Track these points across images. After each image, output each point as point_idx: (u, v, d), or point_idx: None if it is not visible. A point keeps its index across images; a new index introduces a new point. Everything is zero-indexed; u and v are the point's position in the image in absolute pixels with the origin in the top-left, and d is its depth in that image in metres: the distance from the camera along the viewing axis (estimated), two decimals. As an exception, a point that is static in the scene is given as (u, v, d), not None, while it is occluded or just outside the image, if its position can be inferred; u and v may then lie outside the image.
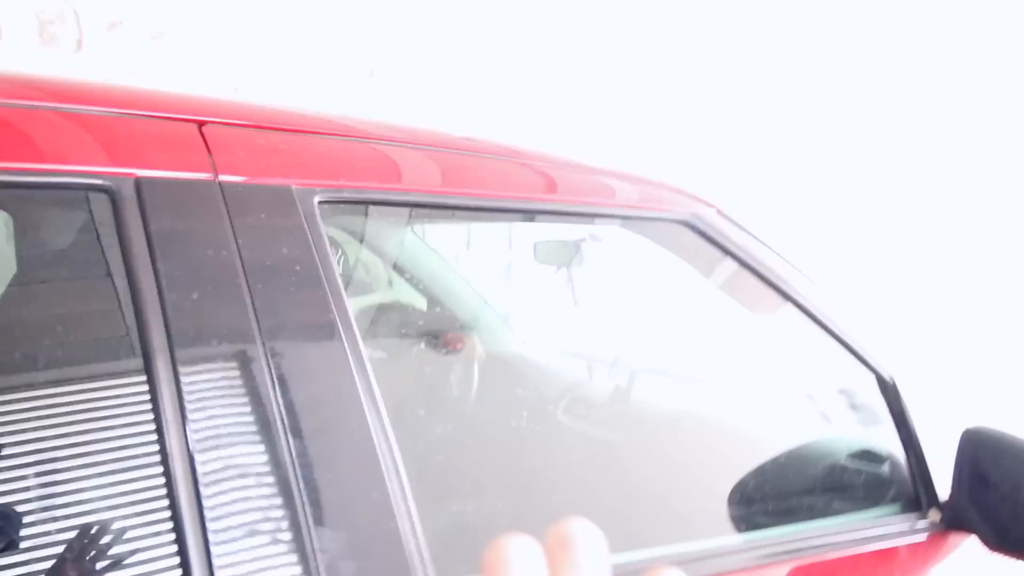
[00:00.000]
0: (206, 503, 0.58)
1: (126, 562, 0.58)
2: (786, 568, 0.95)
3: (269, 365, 0.64)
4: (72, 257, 0.72)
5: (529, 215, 0.97)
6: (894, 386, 1.12)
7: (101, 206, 0.65)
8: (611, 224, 1.13)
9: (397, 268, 1.44)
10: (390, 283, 1.45)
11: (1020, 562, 1.01)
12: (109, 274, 0.65)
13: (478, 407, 1.29)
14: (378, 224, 1.18)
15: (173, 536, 0.57)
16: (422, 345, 1.26)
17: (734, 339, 1.45)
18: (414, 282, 1.43)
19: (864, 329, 1.11)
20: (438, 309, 1.45)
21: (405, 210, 0.99)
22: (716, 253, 1.02)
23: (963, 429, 1.06)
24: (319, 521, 0.61)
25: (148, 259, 0.63)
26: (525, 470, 1.04)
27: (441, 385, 1.21)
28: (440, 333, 1.31)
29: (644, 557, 0.87)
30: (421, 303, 1.47)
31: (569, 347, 1.65)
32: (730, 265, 1.04)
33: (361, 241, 1.18)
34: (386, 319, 1.31)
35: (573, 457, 1.21)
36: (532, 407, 1.37)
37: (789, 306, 1.05)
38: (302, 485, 0.62)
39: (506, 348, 1.64)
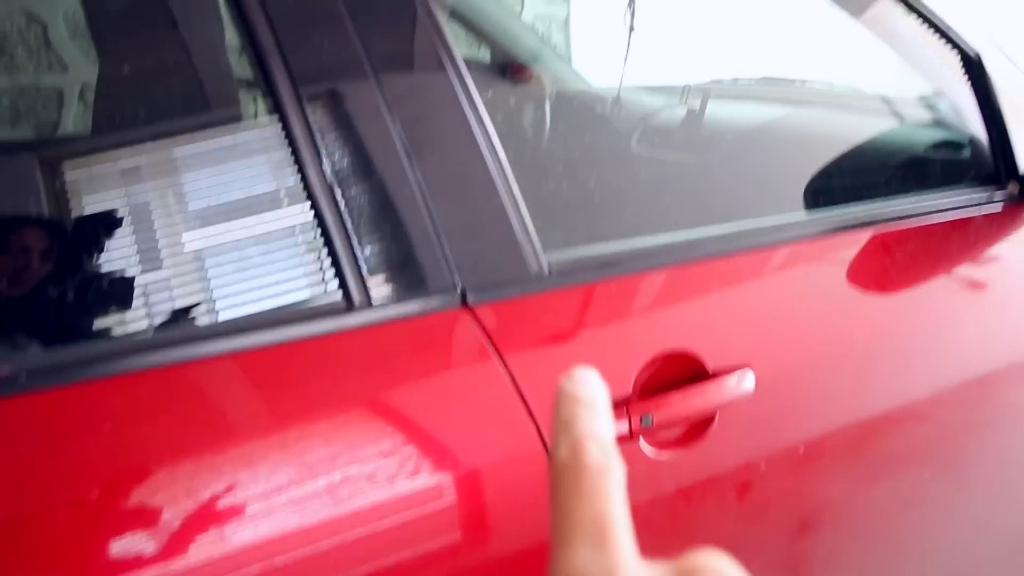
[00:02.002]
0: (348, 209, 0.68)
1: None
2: (867, 235, 1.02)
3: (383, 94, 0.71)
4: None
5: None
6: (979, 62, 1.10)
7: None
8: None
9: (455, 13, 1.42)
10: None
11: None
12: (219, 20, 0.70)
13: (553, 142, 1.33)
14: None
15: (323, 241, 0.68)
16: (492, 76, 1.30)
17: (808, 44, 1.42)
18: (473, 25, 1.43)
19: (949, 6, 1.07)
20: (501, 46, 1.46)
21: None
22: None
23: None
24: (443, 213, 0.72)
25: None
26: (601, 202, 1.10)
27: (516, 117, 1.24)
28: (507, 64, 1.33)
29: (726, 231, 0.95)
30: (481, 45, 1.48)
31: (636, 80, 1.63)
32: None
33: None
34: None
35: (652, 183, 1.26)
36: (604, 141, 1.41)
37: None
38: (426, 191, 0.71)
39: (572, 86, 1.65)
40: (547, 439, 0.69)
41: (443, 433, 0.68)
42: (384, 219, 0.71)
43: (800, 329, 0.91)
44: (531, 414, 0.70)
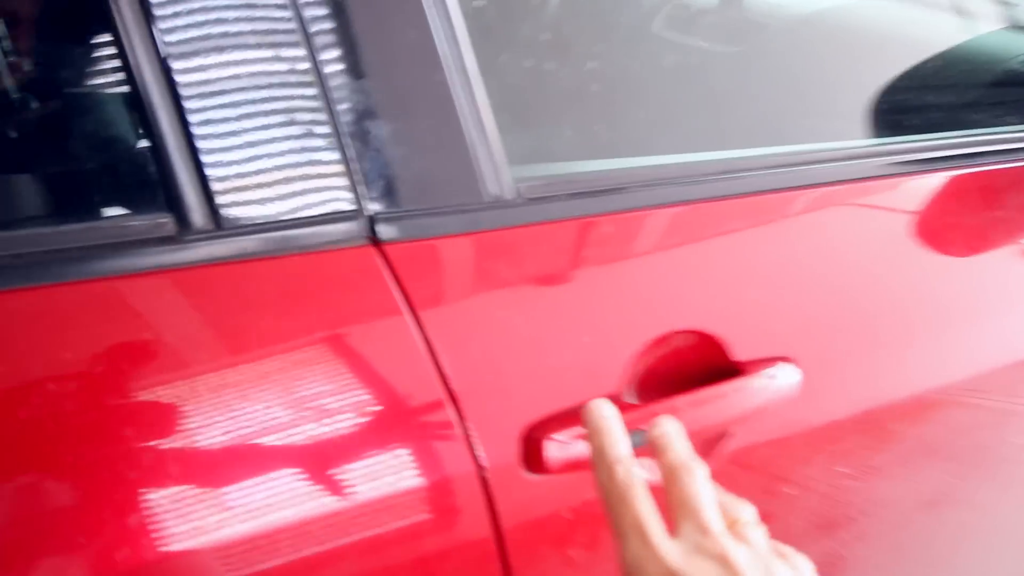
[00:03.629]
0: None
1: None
2: (943, 177, 0.76)
3: None
4: None
5: None
6: None
7: None
8: None
9: None
10: None
11: None
12: None
13: (556, 17, 1.01)
14: None
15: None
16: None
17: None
18: None
19: None
20: None
21: None
22: None
23: None
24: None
25: None
26: (611, 94, 0.80)
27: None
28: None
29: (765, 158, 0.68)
30: None
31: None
32: None
33: None
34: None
35: (678, 77, 0.96)
36: (619, 21, 1.09)
37: None
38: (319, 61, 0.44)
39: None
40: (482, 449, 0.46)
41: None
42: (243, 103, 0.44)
43: (853, 303, 0.66)
44: (462, 418, 0.46)
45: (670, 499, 0.36)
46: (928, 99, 0.92)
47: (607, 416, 0.38)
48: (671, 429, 0.38)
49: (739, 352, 0.57)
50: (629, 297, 0.55)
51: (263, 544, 0.39)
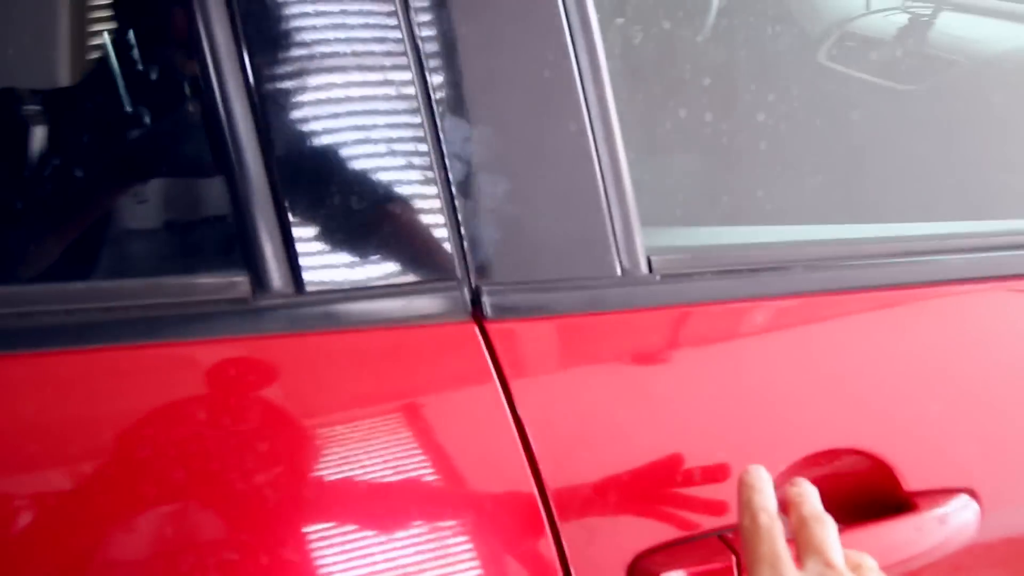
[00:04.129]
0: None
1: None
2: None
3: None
4: None
5: None
6: None
7: None
8: None
9: None
10: None
11: None
12: None
13: (714, 42, 0.90)
14: None
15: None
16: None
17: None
18: None
19: None
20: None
21: None
22: None
23: None
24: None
25: None
26: (773, 129, 0.69)
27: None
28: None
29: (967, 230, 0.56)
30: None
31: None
32: None
33: None
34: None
35: (843, 113, 0.83)
36: (784, 47, 0.97)
37: None
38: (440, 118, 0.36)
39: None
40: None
41: None
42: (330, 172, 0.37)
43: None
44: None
45: (800, 543, 0.39)
46: None
47: (762, 477, 0.40)
48: (808, 489, 0.41)
49: (911, 481, 0.46)
50: (779, 405, 0.45)
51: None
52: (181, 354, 0.35)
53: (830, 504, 0.42)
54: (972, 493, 0.48)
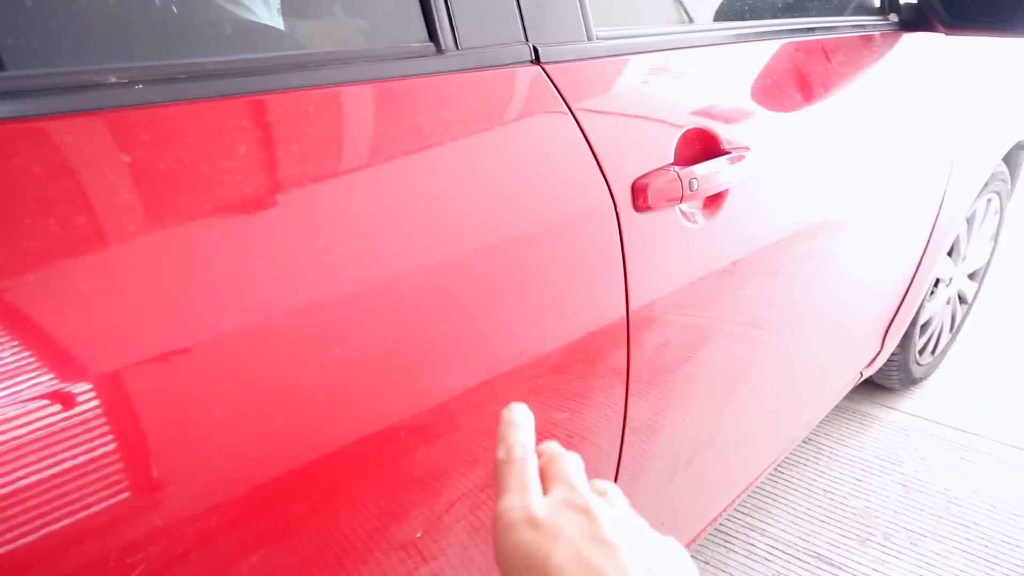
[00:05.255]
0: None
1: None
2: (781, 42, 1.07)
3: None
4: None
5: None
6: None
7: None
8: None
9: None
10: None
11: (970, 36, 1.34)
12: None
13: None
14: None
15: None
16: None
17: None
18: None
19: None
20: None
21: None
22: None
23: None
24: None
25: None
26: None
27: None
28: None
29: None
30: None
31: None
32: None
33: None
34: None
35: None
36: None
37: None
38: None
39: None
40: (614, 194, 0.73)
41: (520, 188, 0.67)
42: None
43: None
44: (602, 171, 0.72)
45: (548, 475, 0.41)
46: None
47: (524, 413, 0.44)
48: (554, 446, 0.45)
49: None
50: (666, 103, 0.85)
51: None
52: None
53: (693, 158, 0.80)
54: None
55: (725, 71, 0.96)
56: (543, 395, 0.71)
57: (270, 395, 0.49)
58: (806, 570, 1.58)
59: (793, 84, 1.04)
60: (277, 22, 0.64)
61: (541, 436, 0.74)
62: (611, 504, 0.40)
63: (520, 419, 0.44)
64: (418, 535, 0.64)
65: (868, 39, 1.25)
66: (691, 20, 1.03)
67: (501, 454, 0.41)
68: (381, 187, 0.56)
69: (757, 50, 1.02)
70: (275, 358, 0.49)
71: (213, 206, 0.47)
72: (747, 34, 1.02)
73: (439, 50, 0.64)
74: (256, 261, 0.48)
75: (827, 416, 2.09)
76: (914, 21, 1.35)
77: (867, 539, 1.67)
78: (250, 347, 0.47)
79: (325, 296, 0.52)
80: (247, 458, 0.48)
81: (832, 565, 1.59)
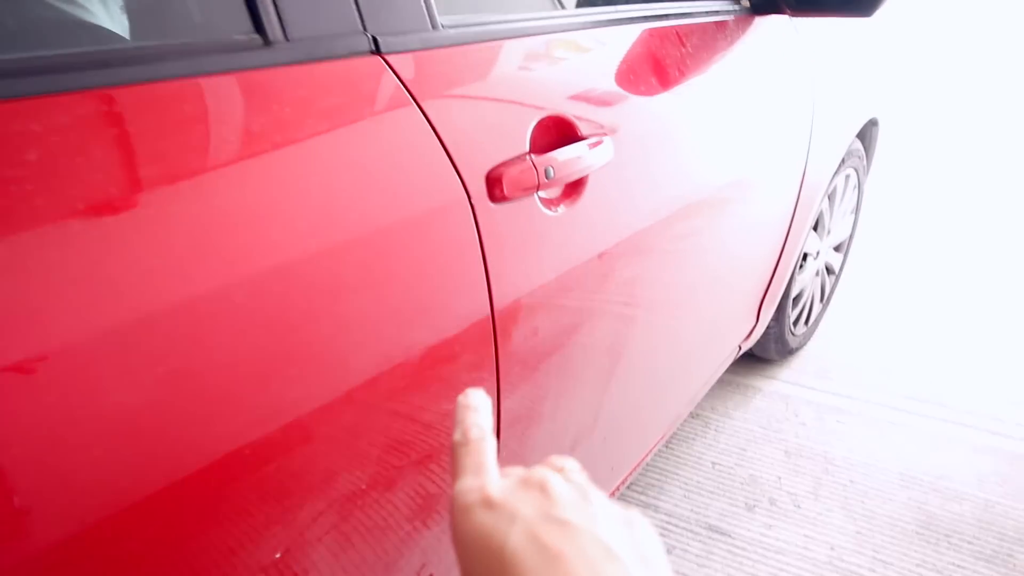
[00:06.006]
0: None
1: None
2: (636, 27, 1.09)
3: None
4: None
5: None
6: None
7: None
8: None
9: None
10: None
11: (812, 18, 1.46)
12: None
13: None
14: None
15: None
16: None
17: None
18: None
19: None
20: None
21: None
22: None
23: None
24: None
25: None
26: None
27: None
28: None
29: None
30: None
31: None
32: None
33: None
34: None
35: None
36: None
37: None
38: None
39: None
40: (467, 186, 0.72)
41: (367, 182, 0.64)
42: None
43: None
44: (453, 163, 0.71)
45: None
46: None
47: (481, 398, 0.44)
48: (476, 401, 0.44)
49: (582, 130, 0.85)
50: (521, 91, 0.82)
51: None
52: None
53: (549, 146, 0.79)
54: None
55: (579, 58, 0.96)
56: (405, 398, 0.68)
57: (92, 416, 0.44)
58: (699, 541, 1.63)
59: (650, 69, 1.06)
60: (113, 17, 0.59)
61: (412, 439, 0.75)
62: (568, 479, 0.39)
63: (477, 402, 0.43)
64: (277, 556, 0.61)
65: (722, 25, 1.29)
66: (543, 7, 1.03)
67: (457, 436, 0.41)
68: (206, 193, 0.52)
69: (612, 36, 1.03)
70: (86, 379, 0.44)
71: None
72: (600, 21, 1.03)
73: (266, 42, 0.61)
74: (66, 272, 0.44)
75: (712, 390, 2.16)
76: (764, 5, 1.40)
77: (754, 506, 1.74)
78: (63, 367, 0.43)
79: (146, 309, 0.47)
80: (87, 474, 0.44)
81: (723, 534, 1.65)
